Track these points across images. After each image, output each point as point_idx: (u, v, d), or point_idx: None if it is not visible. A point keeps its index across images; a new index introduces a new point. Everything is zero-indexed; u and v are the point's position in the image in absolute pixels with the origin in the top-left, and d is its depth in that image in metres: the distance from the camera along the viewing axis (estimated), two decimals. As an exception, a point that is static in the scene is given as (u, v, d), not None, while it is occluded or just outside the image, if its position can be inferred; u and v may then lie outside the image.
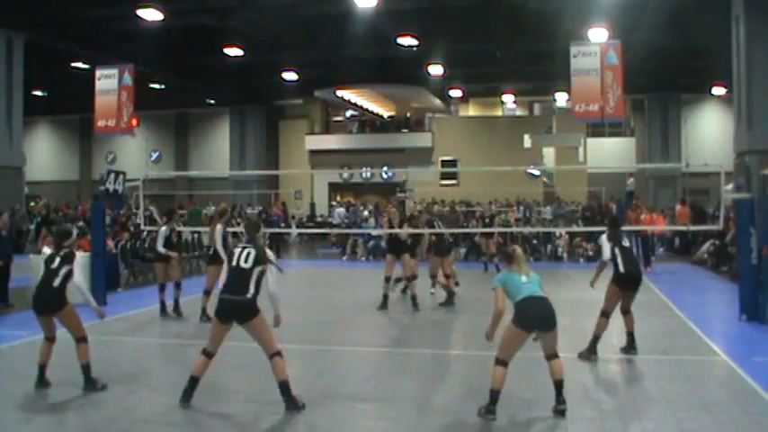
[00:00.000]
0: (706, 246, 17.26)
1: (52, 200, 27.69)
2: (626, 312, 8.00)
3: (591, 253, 19.14)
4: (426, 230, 11.87)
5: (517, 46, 23.72)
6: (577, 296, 12.57)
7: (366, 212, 25.56)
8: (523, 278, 5.94)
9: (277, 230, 21.06)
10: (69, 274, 6.58)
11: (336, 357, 8.38)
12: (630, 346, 7.98)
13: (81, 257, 6.97)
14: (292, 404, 5.96)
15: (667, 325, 9.79)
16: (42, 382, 6.60)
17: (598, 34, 18.19)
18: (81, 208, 25.46)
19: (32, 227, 22.38)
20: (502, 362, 5.78)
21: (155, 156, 36.16)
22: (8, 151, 20.42)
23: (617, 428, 5.58)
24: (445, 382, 7.39)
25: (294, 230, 25.15)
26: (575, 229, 19.24)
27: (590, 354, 7.78)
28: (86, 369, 6.58)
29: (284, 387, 5.97)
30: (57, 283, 6.53)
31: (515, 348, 5.84)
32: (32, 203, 26.70)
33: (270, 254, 6.23)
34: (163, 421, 5.85)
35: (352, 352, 8.82)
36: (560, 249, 19.44)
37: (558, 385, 5.85)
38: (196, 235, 17.61)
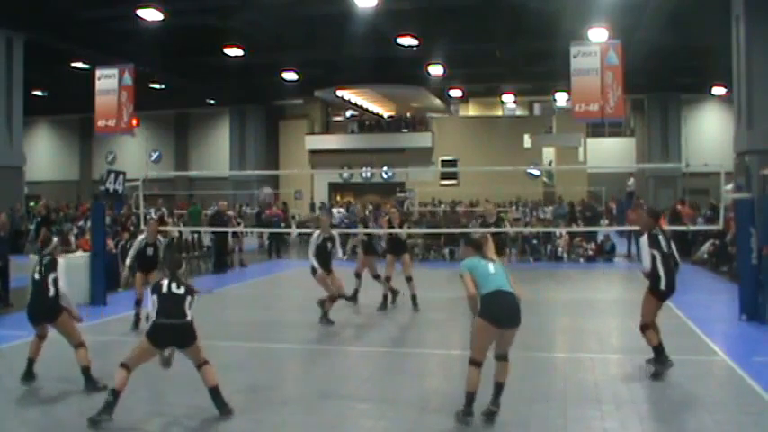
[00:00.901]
0: (706, 246, 17.25)
1: (51, 200, 27.70)
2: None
3: (591, 252, 19.13)
4: (424, 230, 11.87)
5: (517, 46, 23.74)
6: (578, 296, 12.58)
7: (366, 212, 25.54)
8: (491, 268, 5.66)
9: (277, 230, 21.07)
10: (56, 282, 6.57)
11: (336, 357, 8.38)
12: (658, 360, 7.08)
13: (64, 263, 6.82)
14: (225, 409, 5.83)
15: (667, 325, 9.73)
16: (30, 375, 6.67)
17: (598, 34, 18.20)
18: (81, 208, 25.48)
19: (32, 227, 22.38)
20: (476, 362, 5.52)
21: (155, 156, 36.18)
22: (8, 151, 20.42)
23: (617, 428, 5.58)
24: (445, 382, 7.39)
25: (294, 230, 25.16)
26: (575, 229, 19.24)
27: (660, 366, 6.95)
28: (86, 371, 6.59)
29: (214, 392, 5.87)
30: (51, 293, 6.53)
31: (487, 345, 5.56)
32: (32, 203, 26.72)
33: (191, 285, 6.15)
34: (163, 421, 5.85)
35: (352, 352, 8.82)
36: (560, 249, 19.43)
37: (499, 388, 5.58)
38: (196, 235, 17.62)
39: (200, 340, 5.95)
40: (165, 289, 5.92)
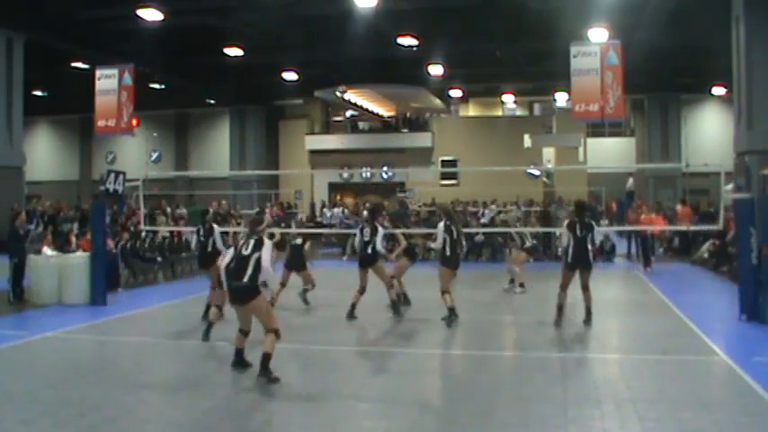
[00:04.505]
0: (706, 246, 17.25)
1: (51, 200, 27.67)
2: None
3: (591, 253, 19.09)
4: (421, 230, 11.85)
5: (517, 46, 23.73)
6: (577, 296, 12.56)
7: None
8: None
9: (276, 230, 21.04)
10: (258, 261, 6.81)
11: (336, 357, 8.38)
12: None
13: (270, 243, 7.28)
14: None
15: (667, 325, 9.79)
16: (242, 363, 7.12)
17: (598, 34, 18.21)
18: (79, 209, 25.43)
19: (31, 227, 22.32)
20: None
21: (155, 156, 36.18)
22: (8, 151, 20.43)
23: (617, 428, 5.58)
24: (445, 382, 7.40)
25: (294, 230, 25.15)
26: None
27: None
28: (267, 358, 6.71)
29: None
30: (249, 272, 6.78)
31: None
32: (33, 202, 26.71)
33: None
34: (164, 421, 5.85)
35: (352, 352, 8.82)
36: (560, 249, 19.40)
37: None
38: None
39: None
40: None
